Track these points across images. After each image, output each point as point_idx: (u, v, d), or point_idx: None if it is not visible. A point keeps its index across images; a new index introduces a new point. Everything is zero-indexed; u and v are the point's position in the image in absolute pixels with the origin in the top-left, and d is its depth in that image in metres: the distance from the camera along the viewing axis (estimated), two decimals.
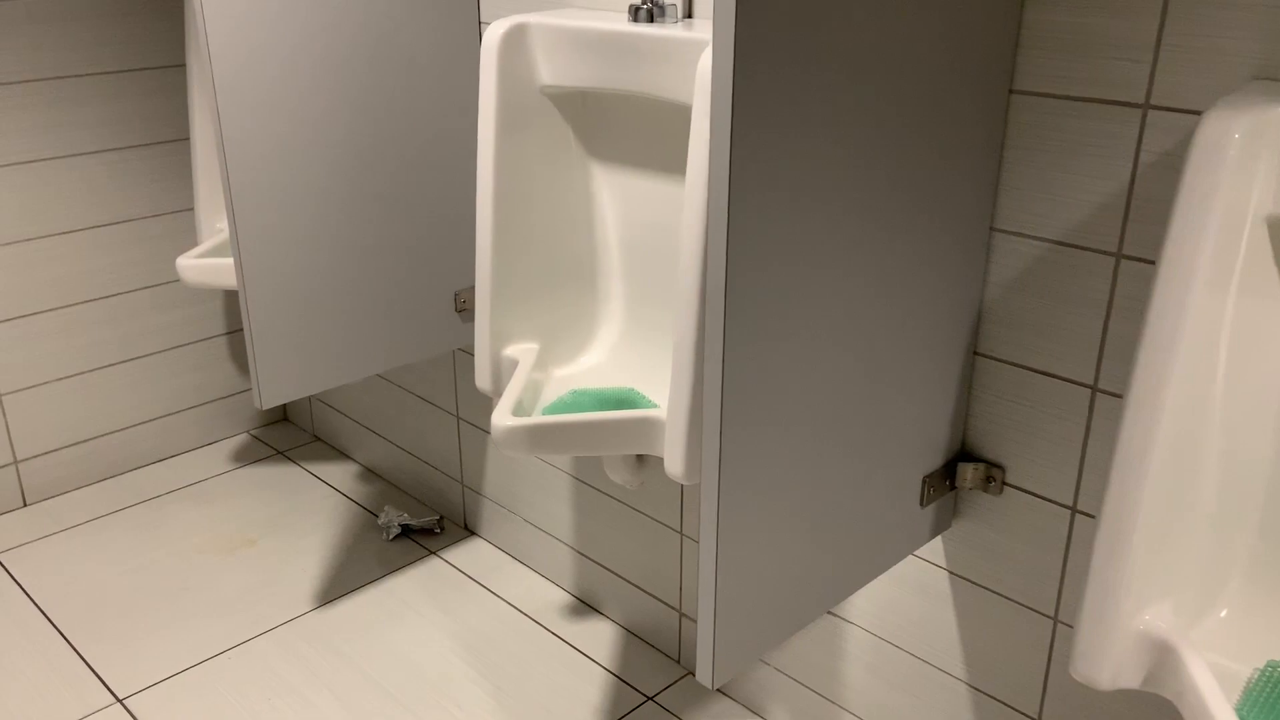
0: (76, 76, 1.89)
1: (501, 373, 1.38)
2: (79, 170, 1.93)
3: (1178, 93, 0.90)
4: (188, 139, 2.04)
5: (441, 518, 2.00)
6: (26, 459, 2.02)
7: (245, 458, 2.23)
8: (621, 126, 1.34)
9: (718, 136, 0.78)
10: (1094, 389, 1.04)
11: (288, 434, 2.32)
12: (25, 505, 2.04)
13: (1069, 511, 1.09)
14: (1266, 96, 0.78)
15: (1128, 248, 0.97)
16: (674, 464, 1.14)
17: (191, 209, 2.09)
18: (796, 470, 0.95)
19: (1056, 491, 1.10)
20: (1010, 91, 1.01)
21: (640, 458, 1.34)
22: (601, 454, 1.28)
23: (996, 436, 1.13)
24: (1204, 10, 0.87)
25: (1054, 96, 0.98)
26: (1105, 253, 0.99)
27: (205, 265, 1.75)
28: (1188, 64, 0.89)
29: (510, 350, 1.37)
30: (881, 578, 1.30)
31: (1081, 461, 1.07)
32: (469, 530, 1.98)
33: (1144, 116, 0.93)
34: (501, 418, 1.21)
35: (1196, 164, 0.76)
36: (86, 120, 1.92)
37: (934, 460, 1.13)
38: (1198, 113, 0.90)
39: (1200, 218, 0.76)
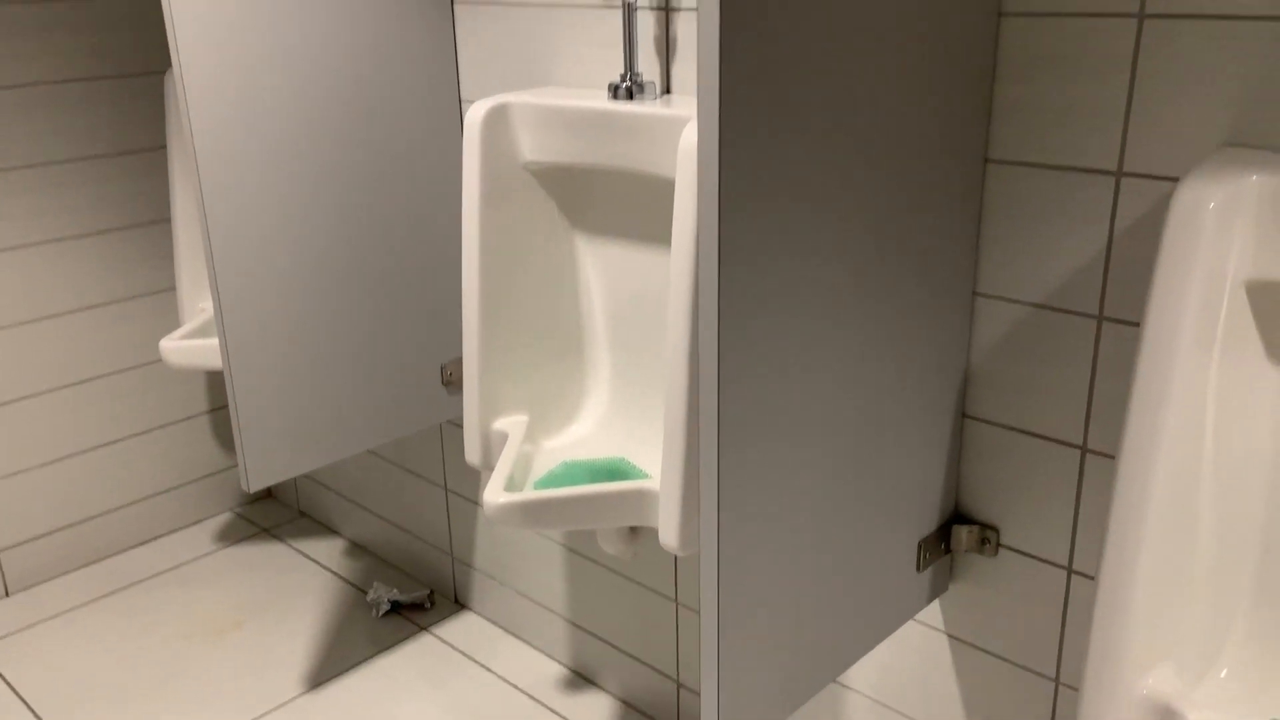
0: (63, 163, 1.90)
1: (491, 447, 1.38)
2: (65, 255, 1.94)
3: (1149, 160, 0.93)
4: (169, 220, 2.05)
5: (432, 592, 1.98)
6: (8, 548, 1.99)
7: (231, 537, 2.20)
8: (604, 199, 1.36)
9: (706, 212, 0.79)
10: (1083, 449, 1.04)
11: (273, 511, 2.30)
12: (8, 595, 2.01)
13: (1065, 572, 1.09)
14: (1238, 164, 0.80)
15: (1109, 310, 0.99)
16: (668, 535, 1.14)
17: (174, 289, 2.09)
18: (794, 540, 0.95)
19: (1051, 552, 1.10)
20: (986, 161, 1.03)
21: (633, 529, 1.34)
22: (595, 527, 1.28)
23: (990, 498, 1.13)
24: (1169, 80, 0.90)
25: (1028, 165, 1.00)
26: (1087, 315, 1.00)
27: (188, 347, 1.75)
28: (1157, 132, 0.92)
29: (499, 423, 1.37)
30: (880, 646, 1.30)
31: (1075, 522, 1.07)
32: (460, 604, 1.95)
33: (1117, 183, 0.95)
34: (494, 494, 1.21)
35: (1174, 232, 0.77)
36: (73, 205, 1.92)
37: (929, 524, 1.13)
38: (1170, 179, 0.92)
39: (1181, 284, 0.78)
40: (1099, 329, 1.00)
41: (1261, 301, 0.82)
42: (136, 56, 1.95)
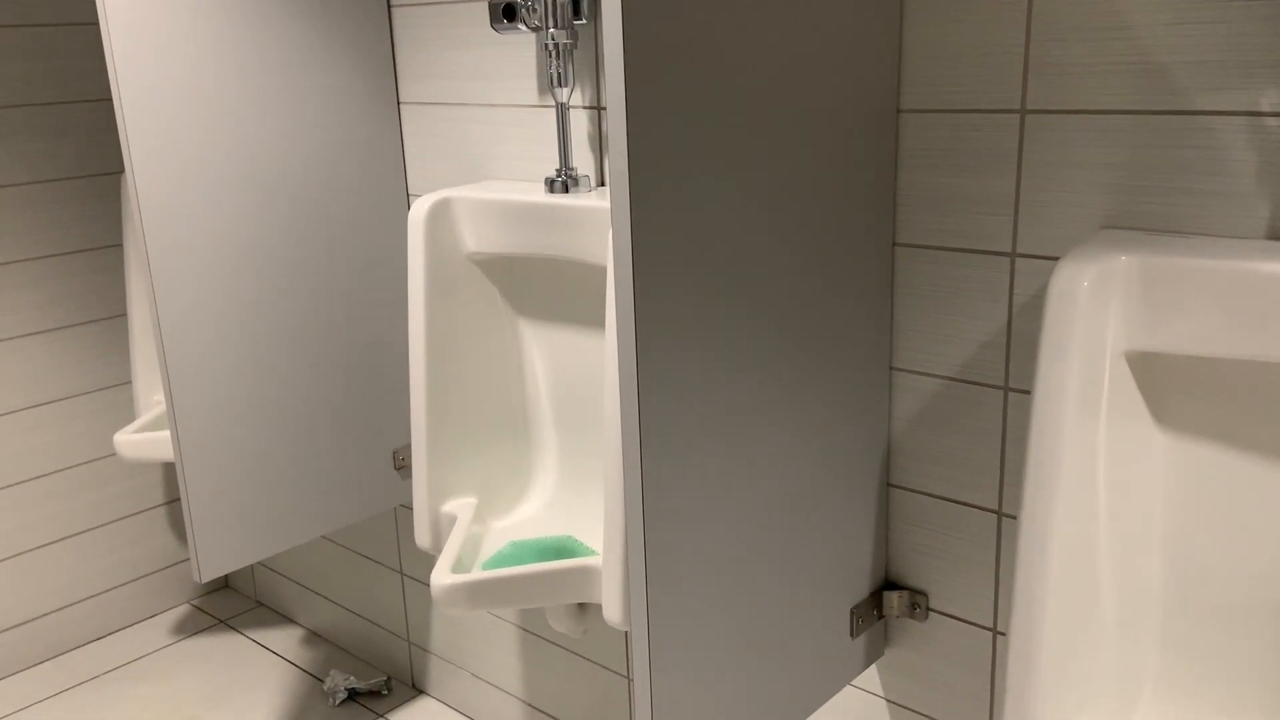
0: (15, 262, 1.93)
1: (441, 530, 1.40)
2: (18, 352, 1.96)
3: (1040, 241, 1.00)
4: (124, 315, 2.08)
5: (389, 678, 1.98)
6: None
7: (187, 629, 2.19)
8: (545, 286, 1.42)
9: (622, 305, 0.84)
10: (999, 513, 1.10)
11: (230, 601, 2.30)
12: None
13: (990, 633, 1.14)
14: (1111, 245, 0.87)
15: (1013, 381, 1.05)
16: (612, 611, 1.17)
17: (129, 382, 2.12)
18: (727, 611, 0.98)
19: (977, 614, 1.14)
20: (894, 244, 1.10)
21: (581, 606, 1.37)
22: (543, 605, 1.31)
23: (917, 564, 1.18)
24: (1051, 170, 0.97)
25: (933, 248, 1.07)
26: (994, 386, 1.06)
27: (142, 440, 1.77)
28: (1045, 215, 0.99)
29: (449, 506, 1.41)
30: (822, 710, 1.32)
31: (996, 584, 1.12)
32: (417, 689, 1.95)
33: (1013, 263, 1.02)
34: (440, 576, 1.24)
35: (1053, 308, 0.84)
36: (25, 304, 1.95)
37: (860, 591, 1.17)
38: (1059, 258, 0.99)
39: (1062, 355, 0.84)
40: (1005, 399, 1.06)
41: (1143, 371, 0.88)
42: (92, 159, 2.00)
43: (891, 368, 1.14)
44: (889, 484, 1.18)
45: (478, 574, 1.24)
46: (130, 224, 1.88)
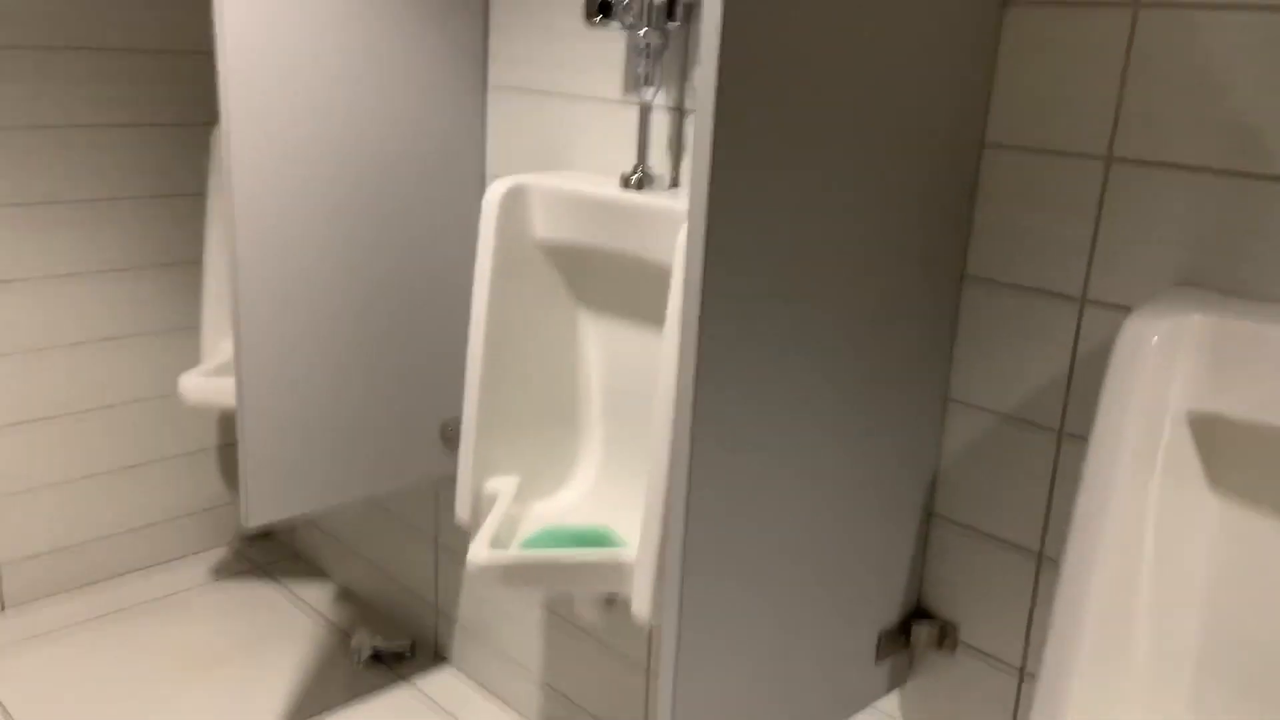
0: (101, 200, 1.99)
1: (481, 506, 1.43)
2: (94, 286, 2.02)
3: (1111, 290, 0.99)
4: (198, 262, 2.14)
5: (413, 643, 2.02)
6: (9, 562, 2.04)
7: (225, 572, 2.25)
8: (610, 280, 1.43)
9: (688, 305, 0.85)
10: (1040, 555, 1.09)
11: (269, 549, 2.35)
12: (3, 609, 2.05)
13: (1017, 674, 1.13)
14: (1185, 302, 0.87)
15: (1069, 426, 1.04)
16: (640, 606, 1.19)
17: (197, 328, 2.17)
18: (755, 619, 0.99)
19: (1006, 653, 1.14)
20: (963, 276, 1.10)
21: (608, 599, 1.38)
22: (574, 592, 1.33)
23: (950, 596, 1.18)
24: (1131, 220, 0.97)
25: (1002, 284, 1.07)
26: (1049, 429, 1.06)
27: (206, 385, 1.82)
28: (1119, 265, 0.98)
29: (491, 484, 1.43)
30: None
31: (1029, 625, 1.12)
32: (440, 657, 1.99)
33: (1081, 309, 1.01)
34: (478, 552, 1.26)
35: (1119, 362, 0.84)
36: (106, 240, 2.01)
37: (890, 617, 1.17)
38: (1128, 309, 0.98)
39: (1122, 410, 0.83)
40: (1059, 443, 1.05)
41: (1203, 433, 0.87)
42: (182, 107, 2.06)
43: (947, 398, 1.14)
44: (932, 513, 1.18)
45: (516, 553, 1.26)
46: (216, 176, 1.93)
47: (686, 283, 0.85)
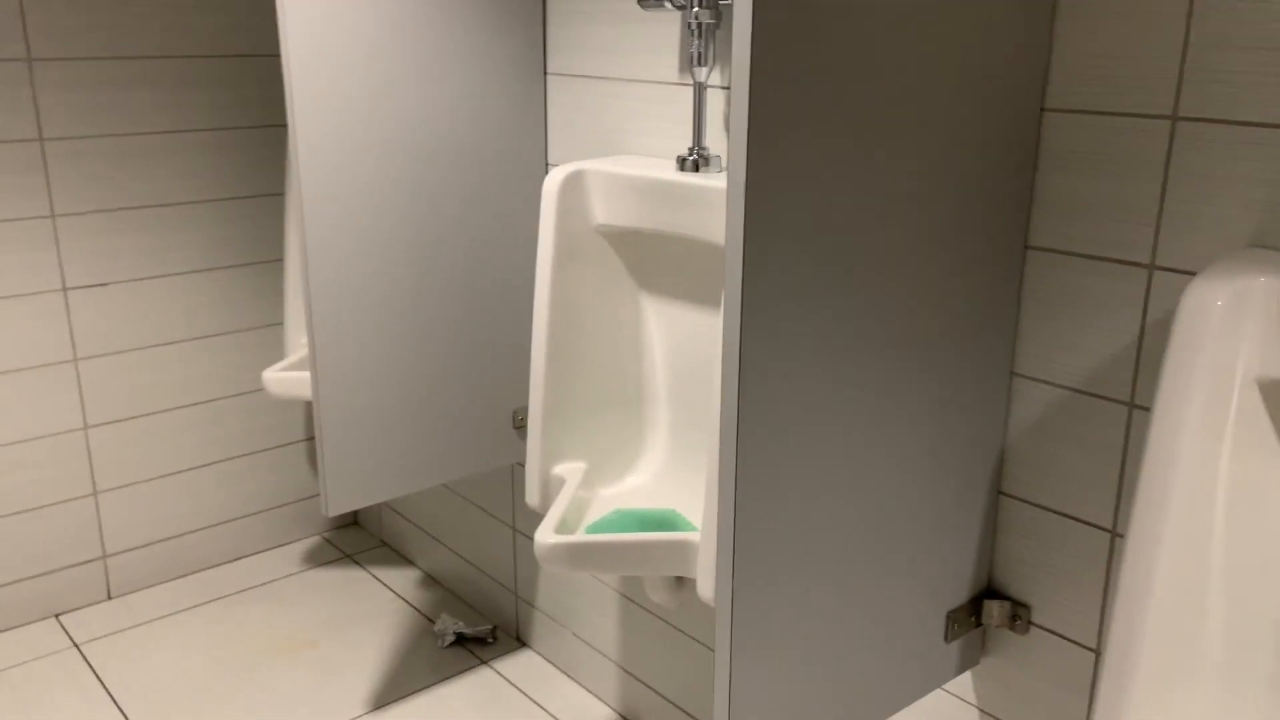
0: (185, 203, 2.07)
1: (550, 490, 1.45)
2: (182, 287, 2.11)
3: (1181, 255, 0.95)
4: (280, 260, 2.21)
5: (495, 627, 2.05)
6: (115, 554, 2.15)
7: (315, 560, 2.33)
8: (671, 263, 1.43)
9: (730, 281, 0.85)
10: (1112, 533, 1.06)
11: (357, 538, 2.42)
12: (109, 598, 2.16)
13: (1093, 654, 1.10)
14: (1253, 264, 0.83)
15: (1139, 398, 1.01)
16: (706, 587, 1.19)
17: (280, 323, 2.25)
18: (816, 600, 0.99)
19: (1080, 633, 1.11)
20: (1026, 247, 1.07)
21: (679, 580, 1.39)
22: (640, 574, 1.33)
23: (1022, 575, 1.15)
24: (1199, 182, 0.93)
25: (1066, 253, 1.03)
26: (1119, 401, 1.02)
27: (288, 378, 1.88)
28: (1188, 228, 0.94)
29: (559, 469, 1.45)
30: (911, 711, 1.31)
31: (1103, 604, 1.08)
32: (521, 641, 2.02)
33: (1150, 276, 0.98)
34: (545, 535, 1.28)
35: (1182, 327, 0.80)
36: (191, 242, 2.10)
37: (959, 596, 1.15)
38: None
39: (1186, 377, 0.80)
40: (1130, 416, 1.02)
41: (1275, 399, 0.83)
42: (261, 110, 2.12)
43: (1012, 373, 1.11)
44: (999, 491, 1.15)
45: (580, 537, 1.28)
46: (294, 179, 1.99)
47: (727, 258, 0.84)
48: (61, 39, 1.87)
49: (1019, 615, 1.16)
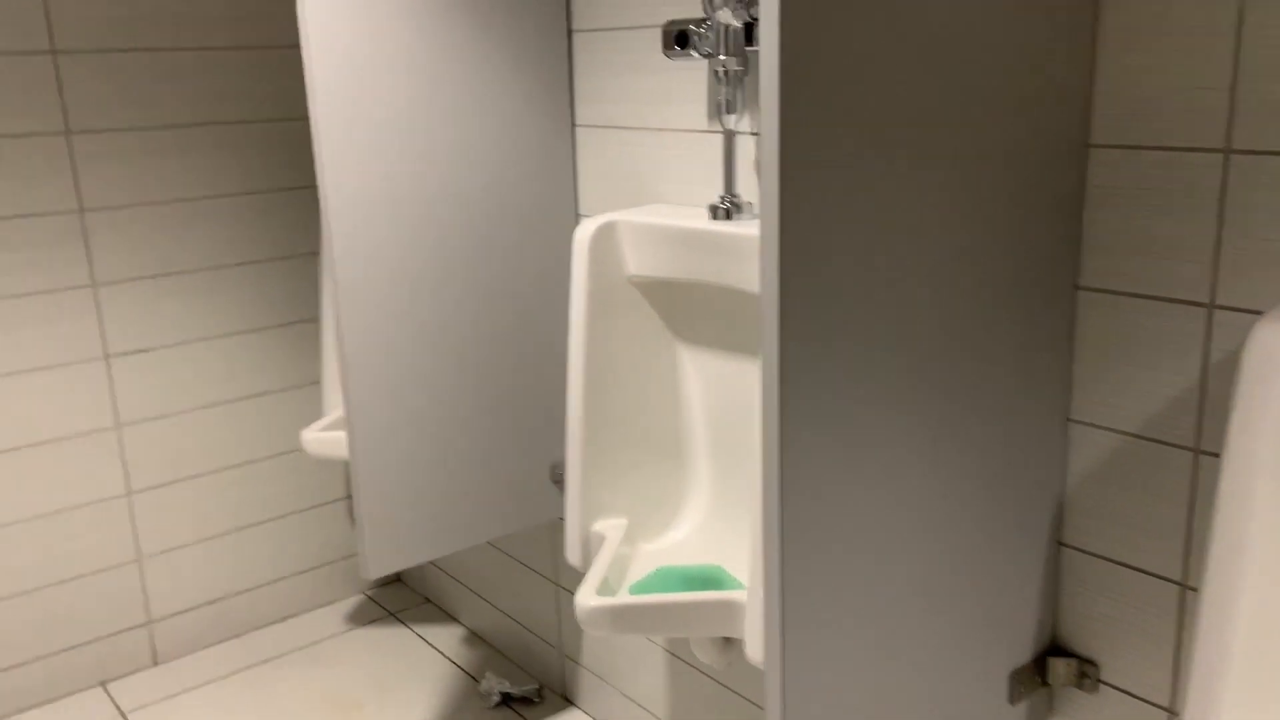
0: (223, 267, 2.09)
1: (590, 548, 1.41)
2: (221, 350, 2.11)
3: (1241, 293, 0.90)
4: (316, 320, 2.21)
5: (541, 686, 2.01)
6: (160, 619, 2.14)
7: (359, 619, 2.31)
8: (706, 312, 1.40)
9: (766, 332, 0.81)
10: (1183, 585, 1.00)
11: (400, 595, 2.40)
12: (155, 664, 2.15)
13: (1166, 714, 1.04)
14: None
15: (1205, 443, 0.95)
16: (754, 649, 1.14)
17: (319, 383, 2.24)
18: (871, 662, 0.94)
19: (1152, 691, 1.05)
20: (1077, 288, 1.02)
21: (727, 640, 1.34)
22: (686, 635, 1.29)
23: (1088, 631, 1.09)
24: (1259, 216, 0.88)
25: (1118, 293, 0.99)
26: (1183, 447, 0.97)
27: (326, 438, 1.87)
28: (1248, 265, 0.89)
29: (599, 525, 1.41)
30: None
31: (1176, 661, 1.02)
32: (567, 700, 1.98)
33: (1209, 315, 0.93)
34: (585, 597, 1.24)
35: (1248, 375, 0.75)
36: (229, 305, 2.11)
37: (1022, 655, 1.09)
38: (1262, 312, 0.89)
39: (1256, 428, 0.75)
40: (1195, 462, 0.97)
41: None
42: (293, 172, 2.14)
43: (1069, 419, 1.06)
44: (1061, 543, 1.10)
45: (622, 599, 1.24)
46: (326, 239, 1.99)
47: (762, 308, 0.81)
48: (98, 110, 1.90)
49: (1087, 673, 1.10)
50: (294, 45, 2.08)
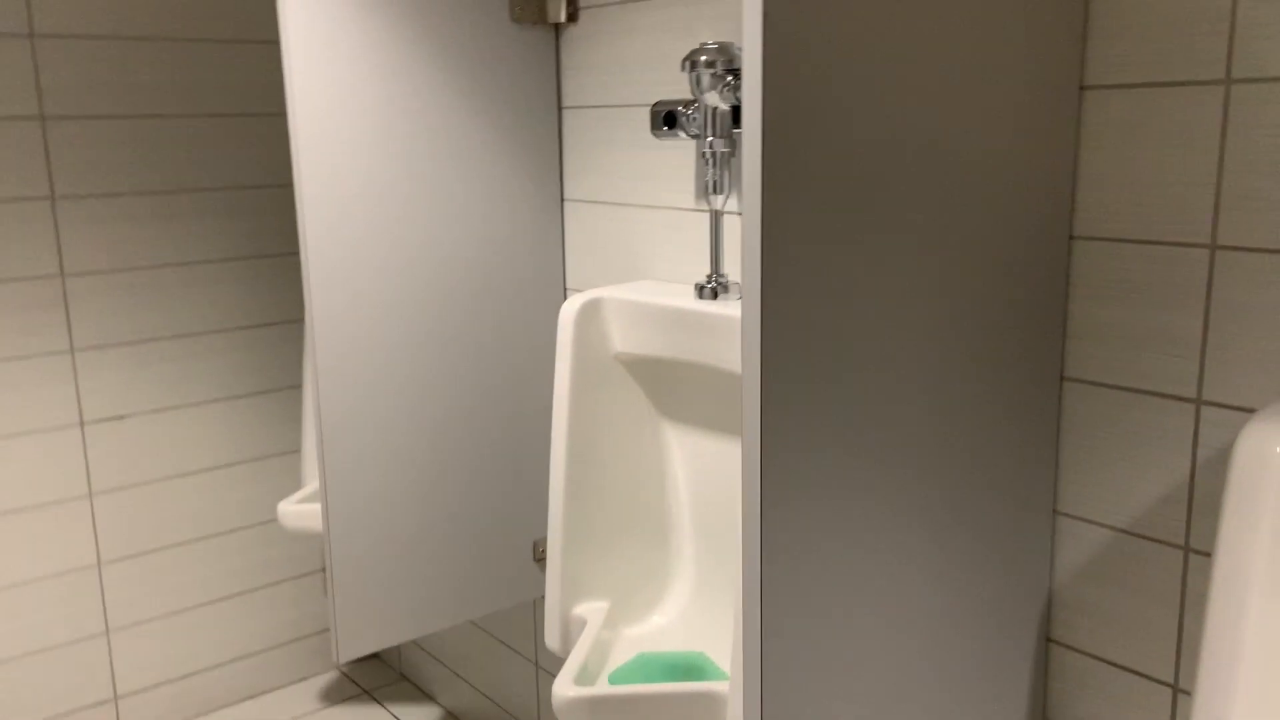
0: (202, 334, 2.07)
1: (570, 632, 1.38)
2: (198, 417, 2.08)
3: (1230, 389, 0.89)
4: (298, 387, 2.19)
5: None
6: (126, 695, 2.08)
7: (333, 697, 2.24)
8: (691, 391, 1.39)
9: (749, 420, 0.79)
10: (1174, 687, 0.97)
11: (376, 672, 2.34)
12: None
13: None
14: None
15: (1194, 541, 0.93)
16: None
17: (297, 451, 2.21)
18: None
19: None
20: (1062, 379, 1.01)
21: None
22: None
23: None
24: (1245, 312, 0.87)
25: (1106, 386, 0.98)
26: (1173, 545, 0.95)
27: (304, 511, 1.84)
28: (1237, 362, 0.88)
29: (580, 608, 1.38)
30: None
31: None
32: None
33: (1198, 411, 0.91)
34: (563, 687, 1.20)
35: (1238, 478, 0.74)
36: (209, 372, 2.08)
37: None
38: (1252, 410, 0.88)
39: (1249, 534, 0.73)
40: (1185, 561, 0.94)
41: None
42: (277, 239, 2.13)
43: (1055, 511, 1.04)
44: (1050, 639, 1.07)
45: (600, 689, 1.20)
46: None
47: (744, 395, 0.79)
48: (82, 175, 1.89)
49: None
50: (280, 113, 2.09)
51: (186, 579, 2.12)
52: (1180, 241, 0.90)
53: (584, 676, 1.24)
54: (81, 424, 1.95)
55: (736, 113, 1.24)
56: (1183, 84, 0.88)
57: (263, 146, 2.08)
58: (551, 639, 1.38)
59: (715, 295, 1.28)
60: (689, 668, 1.31)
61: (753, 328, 0.78)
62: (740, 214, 1.30)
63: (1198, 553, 0.93)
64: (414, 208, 1.45)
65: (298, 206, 1.36)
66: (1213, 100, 0.87)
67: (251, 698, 2.23)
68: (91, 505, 1.98)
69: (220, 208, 2.05)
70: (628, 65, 1.43)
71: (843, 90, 0.77)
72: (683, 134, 1.28)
